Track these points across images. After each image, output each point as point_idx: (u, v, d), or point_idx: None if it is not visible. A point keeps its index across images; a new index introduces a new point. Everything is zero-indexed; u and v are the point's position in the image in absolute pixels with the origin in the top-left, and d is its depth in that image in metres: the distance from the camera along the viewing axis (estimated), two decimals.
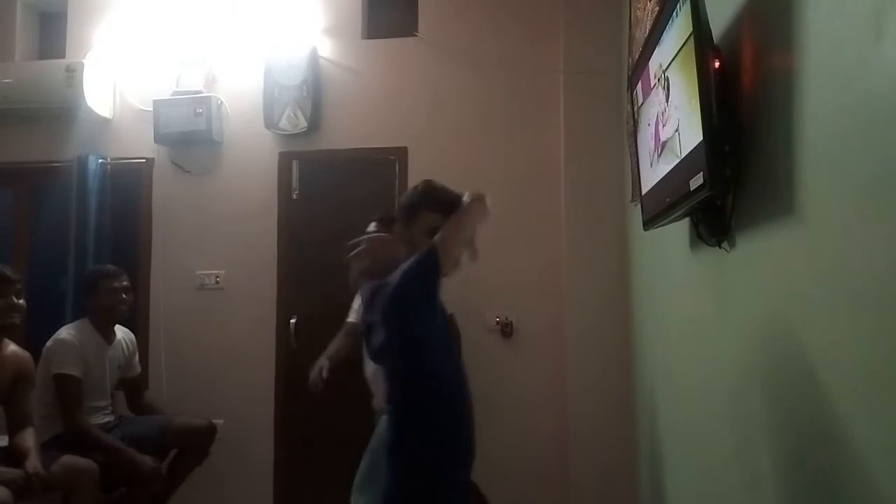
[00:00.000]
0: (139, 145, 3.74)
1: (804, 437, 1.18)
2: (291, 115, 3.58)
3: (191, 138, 3.62)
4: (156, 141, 3.67)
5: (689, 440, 2.02)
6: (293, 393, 3.52)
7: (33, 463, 2.53)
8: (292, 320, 3.58)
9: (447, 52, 3.58)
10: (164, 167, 3.75)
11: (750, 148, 1.37)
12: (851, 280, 0.99)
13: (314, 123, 3.59)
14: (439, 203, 1.77)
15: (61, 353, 2.88)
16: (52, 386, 2.85)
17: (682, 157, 1.51)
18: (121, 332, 3.18)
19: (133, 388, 3.27)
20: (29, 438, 2.65)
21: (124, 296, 3.09)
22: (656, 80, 1.75)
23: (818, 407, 1.12)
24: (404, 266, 1.68)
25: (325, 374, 2.69)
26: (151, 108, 3.66)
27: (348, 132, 3.62)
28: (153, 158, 3.76)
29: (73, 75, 3.54)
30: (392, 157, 3.58)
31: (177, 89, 3.66)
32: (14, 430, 2.68)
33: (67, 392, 2.85)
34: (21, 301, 2.69)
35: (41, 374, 2.87)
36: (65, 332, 2.97)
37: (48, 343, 2.94)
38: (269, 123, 3.61)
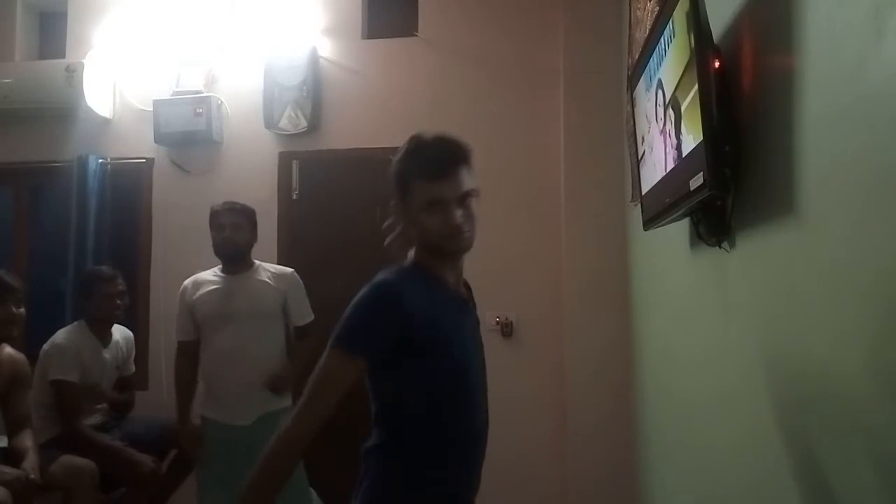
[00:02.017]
0: (139, 145, 3.74)
1: (805, 436, 1.18)
2: (291, 115, 3.58)
3: (191, 138, 3.62)
4: (156, 141, 3.67)
5: (688, 440, 2.02)
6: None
7: (31, 464, 2.51)
8: None
9: (447, 52, 3.57)
10: (164, 167, 3.75)
11: (750, 148, 1.37)
12: (851, 280, 0.99)
13: (314, 123, 3.59)
14: (428, 171, 1.35)
15: (57, 359, 2.88)
16: (50, 390, 2.85)
17: (682, 157, 1.51)
18: (118, 332, 3.17)
19: (122, 386, 3.25)
20: (27, 440, 2.64)
21: (118, 301, 3.09)
22: (656, 81, 1.75)
23: (818, 406, 1.12)
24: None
25: None
26: (151, 108, 3.66)
27: (348, 132, 3.62)
28: (153, 158, 3.76)
29: (73, 75, 3.53)
30: (392, 157, 3.57)
31: (177, 89, 3.66)
32: (13, 431, 2.67)
33: (65, 397, 2.85)
34: (21, 310, 2.65)
35: (38, 378, 2.87)
36: (61, 337, 2.96)
37: (45, 346, 2.94)
38: (269, 123, 3.61)
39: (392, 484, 1.37)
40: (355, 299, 1.34)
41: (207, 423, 2.74)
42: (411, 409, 1.37)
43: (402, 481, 1.36)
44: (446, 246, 1.38)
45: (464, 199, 1.35)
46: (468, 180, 1.36)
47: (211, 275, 2.80)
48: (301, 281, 2.88)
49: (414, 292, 1.34)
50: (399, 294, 1.32)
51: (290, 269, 2.88)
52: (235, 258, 2.78)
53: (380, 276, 1.37)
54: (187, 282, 2.81)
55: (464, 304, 1.48)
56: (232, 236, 2.74)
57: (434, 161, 1.36)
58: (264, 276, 2.79)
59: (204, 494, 2.71)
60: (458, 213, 1.34)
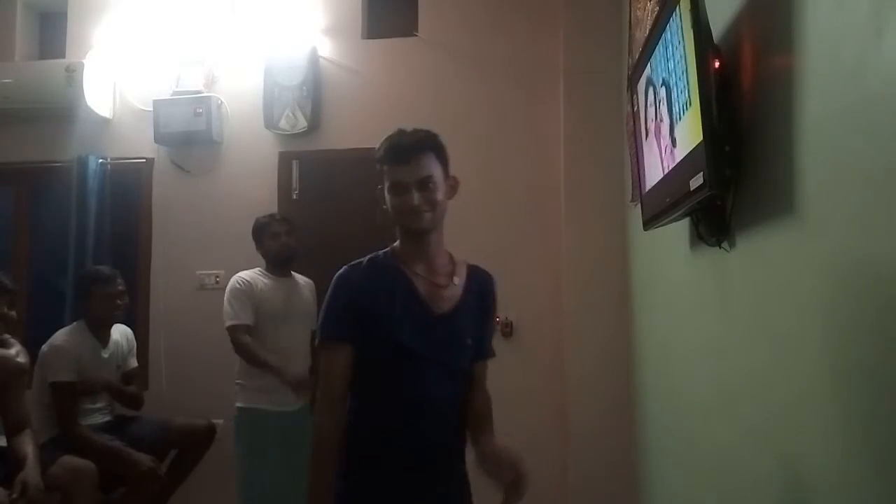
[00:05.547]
0: (139, 145, 3.74)
1: (804, 434, 1.18)
2: (291, 115, 3.58)
3: (191, 138, 3.62)
4: (156, 141, 3.67)
5: (689, 439, 2.02)
6: None
7: (30, 474, 2.43)
8: None
9: (447, 52, 3.58)
10: (164, 167, 3.75)
11: (750, 148, 1.37)
12: (851, 280, 0.99)
13: (314, 123, 3.59)
14: (392, 157, 1.48)
15: (55, 360, 2.89)
16: (49, 391, 2.85)
17: (682, 157, 1.51)
18: (117, 331, 3.17)
19: (126, 382, 3.23)
20: (26, 443, 2.57)
21: (118, 301, 3.08)
22: (656, 80, 1.75)
23: (817, 406, 1.12)
24: None
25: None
26: (151, 108, 3.66)
27: (348, 132, 3.61)
28: (153, 158, 3.75)
29: (73, 75, 3.53)
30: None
31: (177, 89, 3.66)
32: (11, 432, 2.63)
33: (62, 399, 2.86)
34: (13, 313, 2.62)
35: (38, 378, 2.88)
36: (59, 338, 2.97)
37: (43, 348, 2.94)
38: (269, 123, 3.61)
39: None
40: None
41: (261, 413, 2.89)
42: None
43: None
44: (407, 225, 1.51)
45: (424, 183, 1.46)
46: (431, 167, 1.48)
47: (260, 275, 3.02)
48: None
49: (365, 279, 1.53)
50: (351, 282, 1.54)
51: (310, 280, 3.15)
52: (291, 262, 3.08)
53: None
54: (244, 275, 2.99)
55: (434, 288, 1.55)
56: (288, 242, 3.04)
57: (398, 148, 1.48)
58: (303, 282, 3.09)
59: (250, 480, 2.88)
60: (416, 196, 1.46)
